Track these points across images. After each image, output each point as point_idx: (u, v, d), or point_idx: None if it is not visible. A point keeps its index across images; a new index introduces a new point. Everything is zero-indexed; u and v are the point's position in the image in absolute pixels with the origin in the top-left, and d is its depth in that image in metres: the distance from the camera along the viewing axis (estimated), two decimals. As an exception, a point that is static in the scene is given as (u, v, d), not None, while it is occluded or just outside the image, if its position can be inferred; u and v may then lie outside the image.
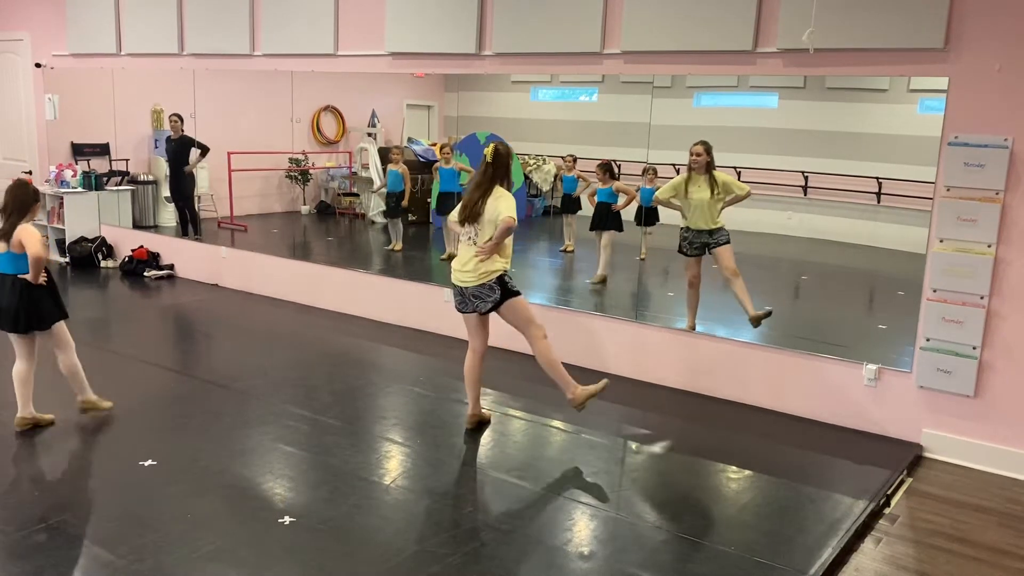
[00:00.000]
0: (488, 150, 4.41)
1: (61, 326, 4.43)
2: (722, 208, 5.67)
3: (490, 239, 4.34)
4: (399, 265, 8.51)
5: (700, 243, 5.71)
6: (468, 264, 4.40)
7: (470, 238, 4.42)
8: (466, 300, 4.48)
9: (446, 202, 8.08)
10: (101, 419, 4.59)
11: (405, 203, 8.63)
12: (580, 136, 8.82)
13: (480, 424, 4.67)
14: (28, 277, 4.22)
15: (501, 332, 4.87)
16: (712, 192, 5.60)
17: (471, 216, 4.39)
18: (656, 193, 5.90)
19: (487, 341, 4.63)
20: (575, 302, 6.97)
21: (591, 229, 7.50)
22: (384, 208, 8.99)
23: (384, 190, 8.80)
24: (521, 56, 5.91)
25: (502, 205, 4.32)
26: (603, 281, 7.38)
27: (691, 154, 5.63)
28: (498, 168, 4.40)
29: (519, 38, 5.83)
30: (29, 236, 4.19)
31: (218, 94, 8.87)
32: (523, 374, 5.06)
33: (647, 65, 5.39)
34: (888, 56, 4.56)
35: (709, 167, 5.62)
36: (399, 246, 8.77)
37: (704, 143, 5.63)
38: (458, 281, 4.47)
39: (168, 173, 9.14)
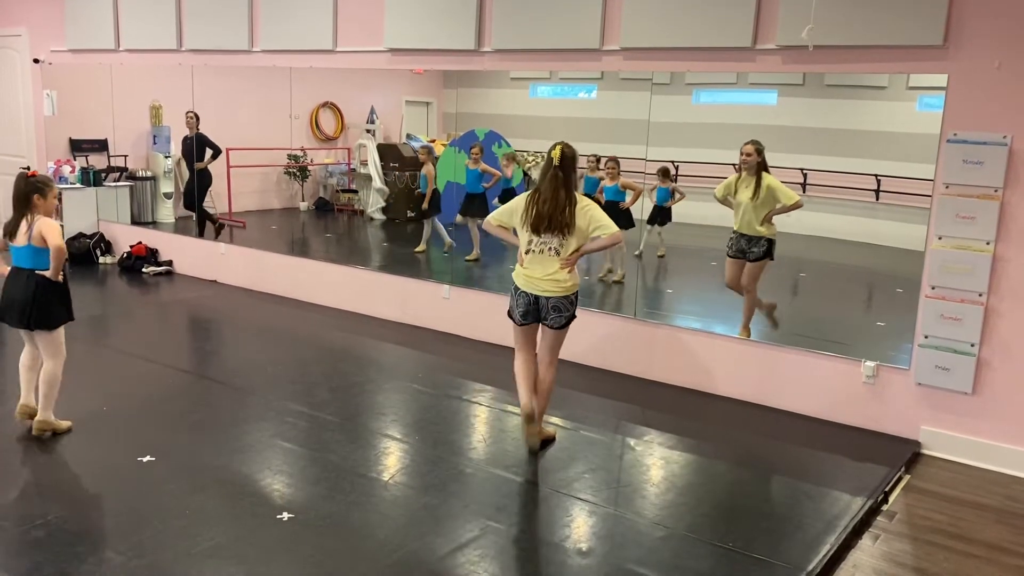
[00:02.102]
0: (555, 152, 4.11)
1: (61, 332, 4.32)
2: (768, 216, 5.46)
3: (576, 251, 4.16)
4: (398, 262, 8.50)
5: (738, 247, 5.62)
6: (557, 274, 4.14)
7: (551, 248, 4.15)
8: (540, 310, 4.21)
9: (471, 203, 8.05)
10: (99, 415, 4.58)
11: (426, 205, 8.54)
12: (579, 133, 8.79)
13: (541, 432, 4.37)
14: (48, 273, 4.18)
15: (499, 330, 4.85)
16: (753, 195, 5.44)
17: (554, 226, 4.12)
18: (714, 192, 5.76)
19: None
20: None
21: None
22: (383, 206, 8.94)
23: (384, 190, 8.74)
24: (520, 52, 5.91)
25: (601, 217, 4.15)
26: (610, 273, 7.36)
27: (741, 153, 5.49)
28: (567, 171, 4.12)
29: (518, 34, 5.83)
30: (49, 228, 4.16)
31: (217, 90, 8.85)
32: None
33: (646, 62, 5.39)
34: (887, 53, 4.56)
35: (759, 168, 5.44)
36: (423, 247, 8.61)
37: (755, 143, 5.45)
38: (539, 291, 4.17)
39: (168, 168, 9.14)
